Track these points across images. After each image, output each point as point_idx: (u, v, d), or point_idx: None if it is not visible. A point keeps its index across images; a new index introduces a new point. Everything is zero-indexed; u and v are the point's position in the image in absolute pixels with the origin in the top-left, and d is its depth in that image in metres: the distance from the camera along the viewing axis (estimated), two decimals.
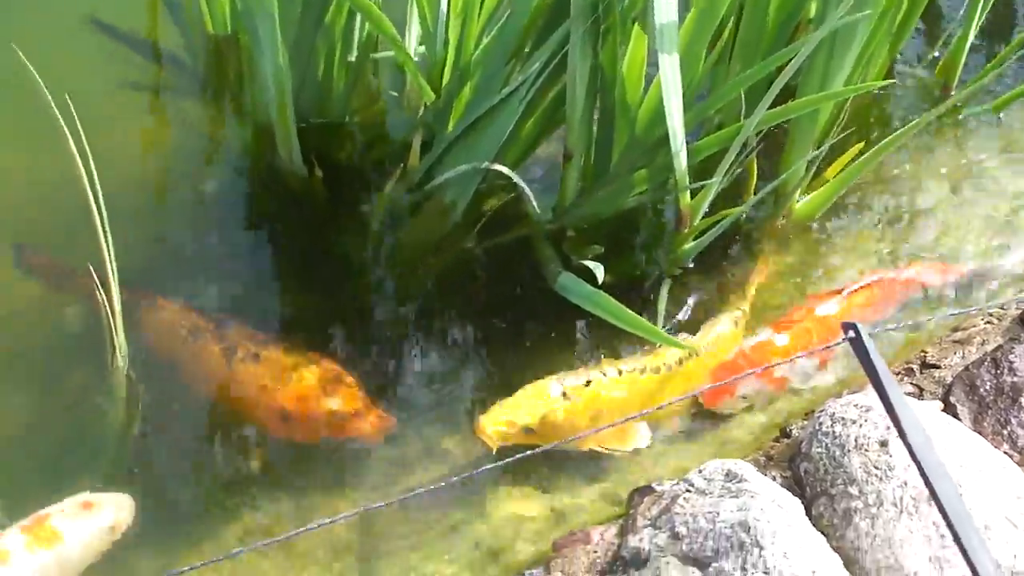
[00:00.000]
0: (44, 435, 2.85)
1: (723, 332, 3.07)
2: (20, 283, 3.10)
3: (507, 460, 2.32)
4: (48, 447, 2.82)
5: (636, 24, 2.89)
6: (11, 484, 2.71)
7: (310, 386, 2.87)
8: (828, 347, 2.37)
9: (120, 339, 2.86)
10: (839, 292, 3.15)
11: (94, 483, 2.71)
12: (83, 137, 2.69)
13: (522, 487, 2.85)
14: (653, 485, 2.72)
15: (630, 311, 2.83)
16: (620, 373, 2.89)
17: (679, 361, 2.96)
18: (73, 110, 2.69)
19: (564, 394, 2.80)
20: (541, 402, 2.79)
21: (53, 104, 2.64)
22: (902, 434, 2.03)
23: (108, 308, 2.81)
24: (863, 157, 3.18)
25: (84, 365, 2.93)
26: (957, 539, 1.90)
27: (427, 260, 3.24)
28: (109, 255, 2.77)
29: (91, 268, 2.78)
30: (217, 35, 3.72)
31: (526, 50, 3.06)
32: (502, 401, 2.79)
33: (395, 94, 3.58)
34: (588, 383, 2.84)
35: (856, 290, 3.15)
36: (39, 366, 2.96)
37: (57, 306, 3.05)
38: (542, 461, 2.84)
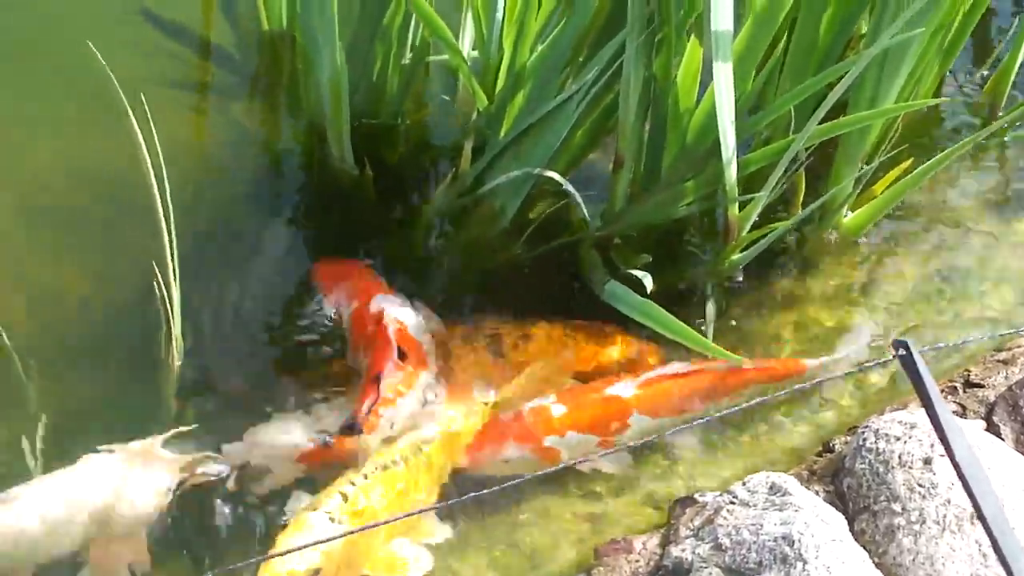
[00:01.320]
0: (97, 423, 2.85)
1: (454, 427, 2.81)
2: (75, 274, 3.14)
3: (547, 471, 2.35)
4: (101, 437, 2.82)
5: (692, 36, 2.91)
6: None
7: (593, 346, 3.05)
8: (880, 362, 2.38)
9: (177, 332, 2.88)
10: (638, 375, 2.96)
11: None
12: (154, 132, 2.72)
13: (562, 494, 2.86)
14: (695, 496, 2.74)
15: (679, 321, 2.85)
16: (366, 477, 2.66)
17: (417, 450, 2.73)
18: (146, 106, 2.71)
19: (331, 519, 2.59)
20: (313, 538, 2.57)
21: (125, 100, 2.66)
22: (949, 451, 2.05)
23: (168, 303, 2.84)
24: (909, 176, 3.19)
25: (141, 359, 2.96)
26: (1001, 557, 1.91)
27: (474, 263, 3.27)
28: (171, 250, 2.79)
29: (155, 265, 2.81)
30: (271, 32, 3.73)
31: (580, 58, 3.08)
32: (271, 551, 2.57)
33: (447, 98, 3.60)
34: (344, 498, 2.62)
35: (655, 378, 2.95)
36: (97, 357, 2.98)
37: (114, 298, 3.08)
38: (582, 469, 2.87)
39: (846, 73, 2.85)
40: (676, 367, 2.97)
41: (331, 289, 3.12)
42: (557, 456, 2.82)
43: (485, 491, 2.26)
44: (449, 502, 2.66)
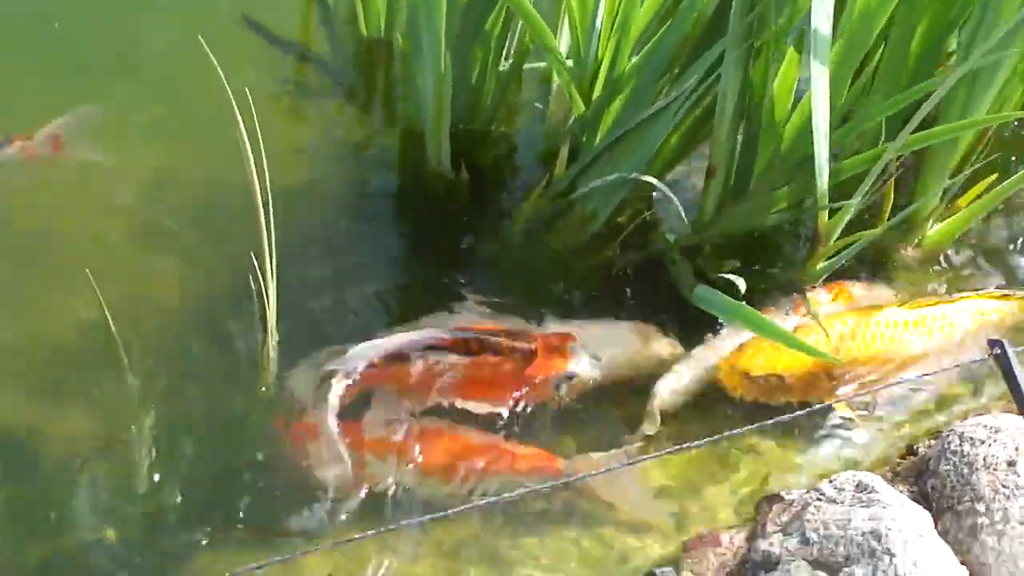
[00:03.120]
0: (194, 416, 2.93)
1: None
2: (180, 266, 3.23)
3: (631, 462, 2.39)
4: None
5: (792, 47, 2.96)
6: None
7: None
8: (975, 361, 2.44)
9: (272, 325, 2.95)
10: None
11: None
12: (259, 136, 2.77)
13: (649, 486, 2.90)
14: (782, 493, 2.80)
15: (772, 322, 2.90)
16: None
17: None
18: (254, 111, 2.75)
19: None
20: None
21: (236, 108, 2.70)
22: None
23: (265, 297, 2.91)
24: (995, 189, 3.24)
25: (238, 351, 3.03)
26: None
27: (565, 266, 3.33)
28: (270, 247, 2.85)
29: (254, 258, 2.86)
30: (370, 38, 3.83)
31: (677, 66, 3.15)
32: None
33: (539, 106, 3.67)
34: None
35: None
36: (195, 350, 3.07)
37: (215, 293, 3.17)
38: (668, 462, 2.93)
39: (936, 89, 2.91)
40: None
41: None
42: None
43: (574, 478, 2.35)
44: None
